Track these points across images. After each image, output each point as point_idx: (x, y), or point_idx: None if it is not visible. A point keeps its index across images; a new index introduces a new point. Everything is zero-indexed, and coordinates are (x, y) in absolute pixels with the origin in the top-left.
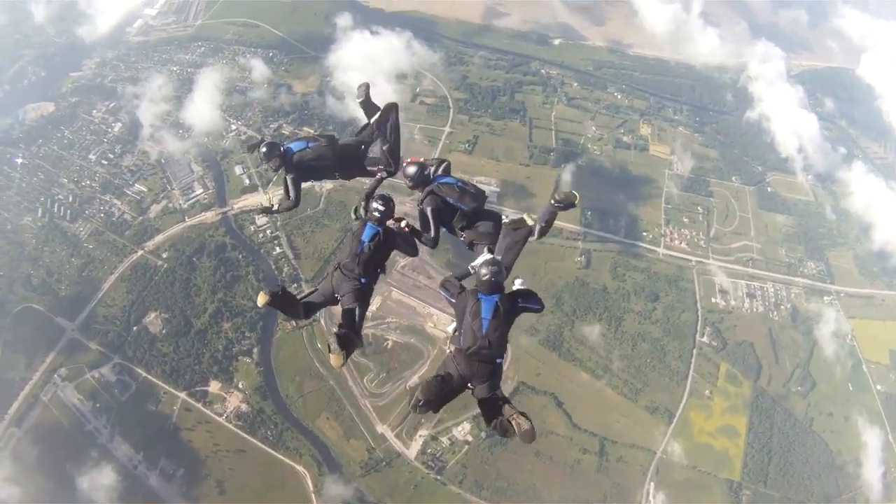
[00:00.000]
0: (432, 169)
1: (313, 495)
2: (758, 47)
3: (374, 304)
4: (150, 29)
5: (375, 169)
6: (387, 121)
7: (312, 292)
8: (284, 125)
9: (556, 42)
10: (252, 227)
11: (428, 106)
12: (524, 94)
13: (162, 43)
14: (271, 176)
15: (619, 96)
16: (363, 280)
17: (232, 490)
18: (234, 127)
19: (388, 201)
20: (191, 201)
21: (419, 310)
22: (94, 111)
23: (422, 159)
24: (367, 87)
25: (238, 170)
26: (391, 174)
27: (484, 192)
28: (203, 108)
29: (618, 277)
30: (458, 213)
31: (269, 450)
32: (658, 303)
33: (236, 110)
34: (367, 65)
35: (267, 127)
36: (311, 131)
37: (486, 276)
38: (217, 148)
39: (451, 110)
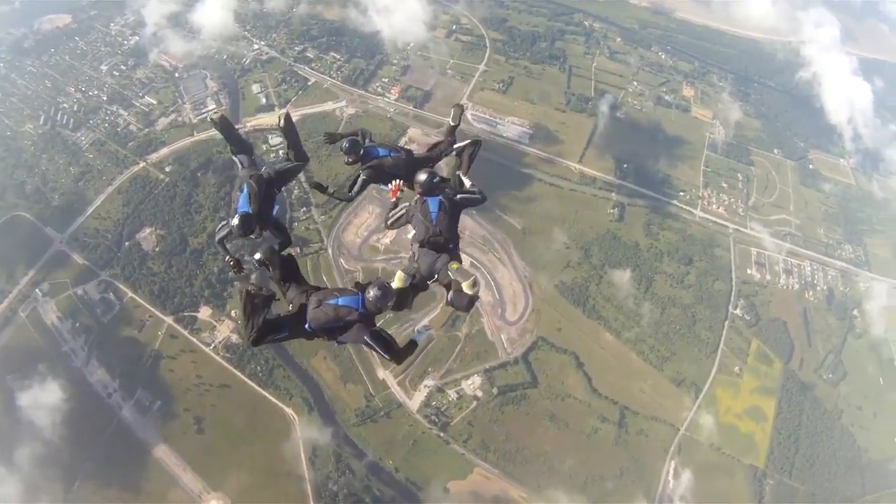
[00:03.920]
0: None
1: (300, 441)
2: (811, 13)
3: (388, 237)
4: None
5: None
6: (461, 150)
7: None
8: (310, 49)
9: None
10: (264, 147)
11: (463, 43)
12: (565, 42)
13: None
14: (290, 96)
15: (663, 56)
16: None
17: (211, 429)
18: (256, 47)
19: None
20: (201, 116)
21: None
22: (112, 24)
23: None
24: (461, 109)
25: (255, 88)
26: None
27: (454, 234)
28: (217, 13)
29: (651, 235)
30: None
31: (257, 387)
32: (691, 267)
33: (261, 31)
34: None
35: (291, 49)
36: (337, 56)
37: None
38: (235, 67)
39: (488, 49)
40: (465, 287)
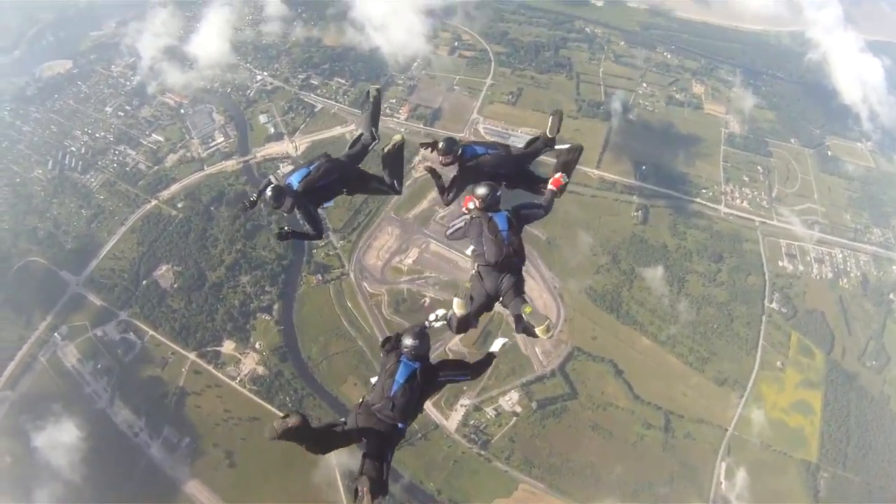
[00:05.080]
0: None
1: (336, 470)
2: None
3: (411, 257)
4: None
5: None
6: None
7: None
8: (313, 76)
9: (598, 3)
10: (275, 176)
11: (467, 59)
12: (569, 50)
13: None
14: (298, 124)
15: (668, 56)
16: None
17: (243, 462)
18: (259, 77)
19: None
20: (210, 150)
21: (461, 263)
22: (113, 66)
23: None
24: (560, 116)
25: (262, 118)
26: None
27: (522, 254)
28: (212, 43)
29: (678, 235)
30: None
31: None
32: (722, 264)
33: (263, 62)
34: None
35: (295, 77)
36: (342, 81)
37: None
38: (240, 98)
39: (493, 63)
40: (540, 332)
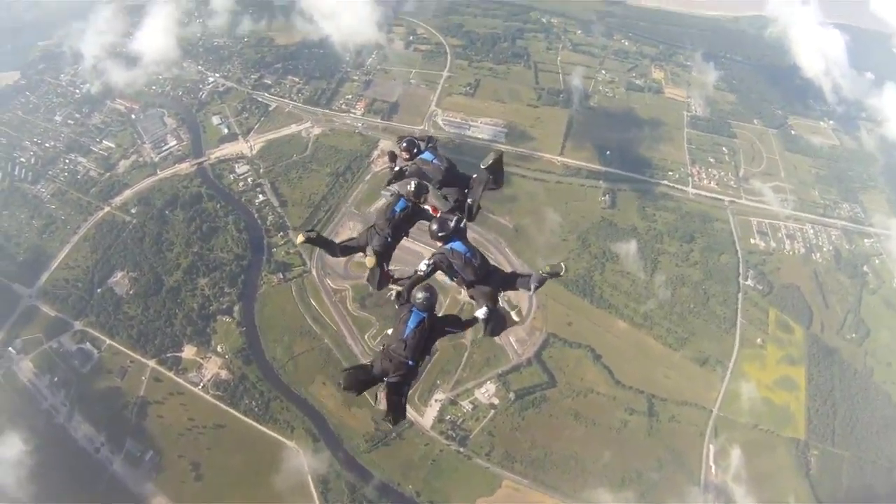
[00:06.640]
0: (452, 224)
1: (308, 476)
2: None
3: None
4: None
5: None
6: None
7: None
8: (266, 76)
9: None
10: (231, 176)
11: (423, 52)
12: (526, 40)
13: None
14: (252, 124)
15: (626, 43)
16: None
17: (210, 474)
18: (211, 79)
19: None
20: (163, 154)
21: (426, 256)
22: (62, 75)
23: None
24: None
25: (216, 120)
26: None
27: (487, 263)
28: (157, 39)
29: (647, 217)
30: (459, 276)
31: (254, 423)
32: (694, 244)
33: (214, 64)
34: None
35: (248, 78)
36: (296, 79)
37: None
38: (192, 101)
39: (449, 55)
40: (515, 316)
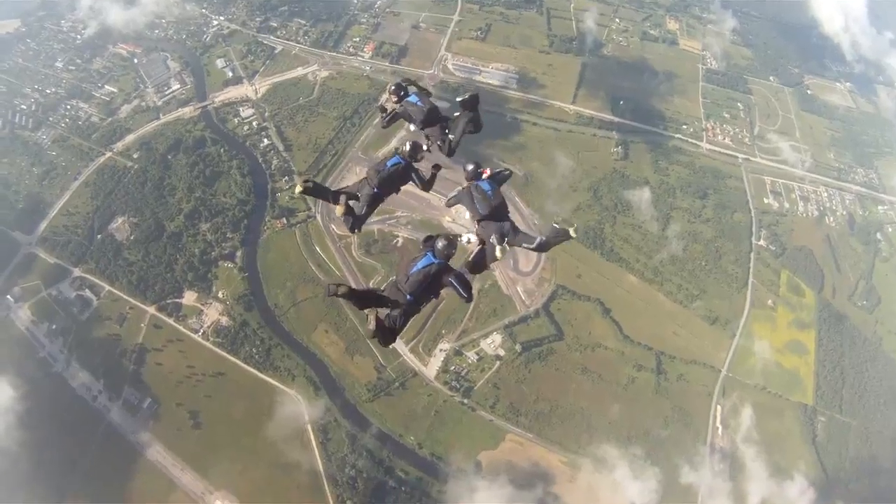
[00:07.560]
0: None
1: (308, 426)
2: None
3: None
4: None
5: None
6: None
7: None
8: (272, 18)
9: None
10: (236, 120)
11: None
12: None
13: None
14: (257, 67)
15: None
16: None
17: (208, 423)
18: (215, 22)
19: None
20: (166, 98)
21: (433, 202)
22: (63, 21)
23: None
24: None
25: (220, 63)
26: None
27: (505, 206)
28: None
29: (660, 171)
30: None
31: (255, 371)
32: (707, 200)
33: (219, 6)
34: None
35: (253, 20)
36: (302, 21)
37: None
38: (196, 44)
39: None
40: (498, 252)
